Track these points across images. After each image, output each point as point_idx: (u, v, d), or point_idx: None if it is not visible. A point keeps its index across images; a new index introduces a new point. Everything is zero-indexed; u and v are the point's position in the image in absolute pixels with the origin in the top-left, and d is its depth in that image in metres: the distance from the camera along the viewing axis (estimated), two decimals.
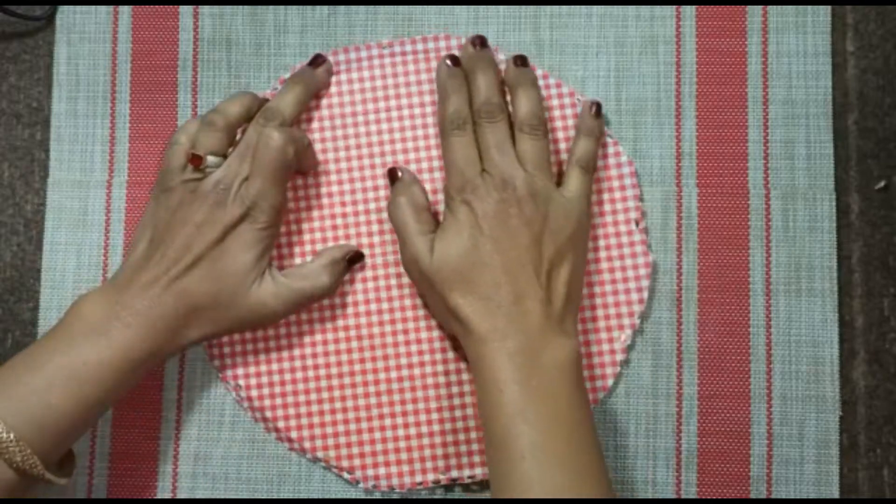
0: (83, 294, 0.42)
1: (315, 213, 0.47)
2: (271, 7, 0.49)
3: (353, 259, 0.46)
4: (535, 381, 0.40)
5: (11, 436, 0.38)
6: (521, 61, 0.46)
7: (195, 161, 0.43)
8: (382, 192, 0.47)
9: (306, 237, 0.47)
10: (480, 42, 0.46)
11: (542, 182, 0.43)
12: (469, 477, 0.46)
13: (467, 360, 0.43)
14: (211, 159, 0.43)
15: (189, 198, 0.43)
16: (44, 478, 0.39)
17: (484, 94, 0.45)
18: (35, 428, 0.39)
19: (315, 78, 0.47)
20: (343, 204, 0.47)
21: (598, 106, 0.46)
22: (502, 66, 0.47)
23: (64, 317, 0.42)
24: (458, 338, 0.44)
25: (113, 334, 0.41)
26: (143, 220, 0.44)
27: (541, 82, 0.48)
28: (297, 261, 0.47)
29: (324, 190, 0.47)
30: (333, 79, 0.48)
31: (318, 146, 0.48)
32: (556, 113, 0.48)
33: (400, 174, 0.46)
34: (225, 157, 0.44)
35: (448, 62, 0.46)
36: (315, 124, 0.48)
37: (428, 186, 0.47)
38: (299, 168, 0.46)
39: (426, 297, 0.46)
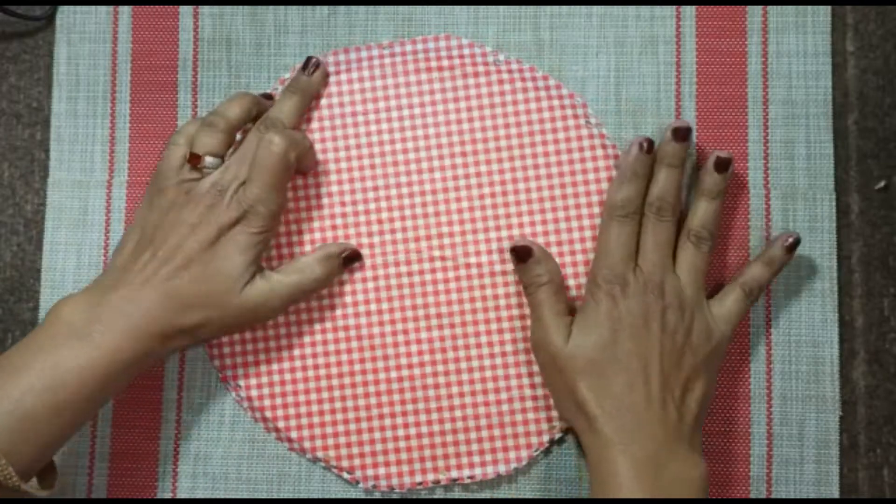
0: (64, 297, 0.41)
1: (315, 213, 0.47)
2: (271, 7, 0.49)
3: (350, 258, 0.46)
4: (659, 495, 0.39)
5: None
6: (723, 166, 0.44)
7: (194, 160, 0.43)
8: (382, 193, 0.47)
9: (306, 237, 0.47)
10: (683, 135, 0.44)
11: (691, 293, 0.43)
12: (469, 477, 0.46)
13: (585, 459, 0.42)
14: (209, 160, 0.43)
15: (183, 199, 0.42)
16: (20, 489, 0.37)
17: (661, 189, 0.44)
18: (10, 437, 0.37)
19: (311, 84, 0.47)
20: (343, 204, 0.47)
21: (796, 243, 0.45)
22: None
23: (43, 320, 0.41)
24: (577, 433, 0.43)
25: (94, 338, 0.39)
26: (135, 219, 0.44)
27: (540, 84, 0.48)
28: (296, 255, 0.47)
29: (324, 190, 0.47)
30: (333, 79, 0.48)
31: (318, 146, 0.48)
32: (557, 113, 0.47)
33: (533, 250, 0.44)
34: (223, 159, 0.44)
35: (642, 145, 0.44)
36: (315, 124, 0.48)
37: (427, 187, 0.47)
38: (299, 168, 0.46)
39: (550, 382, 0.44)
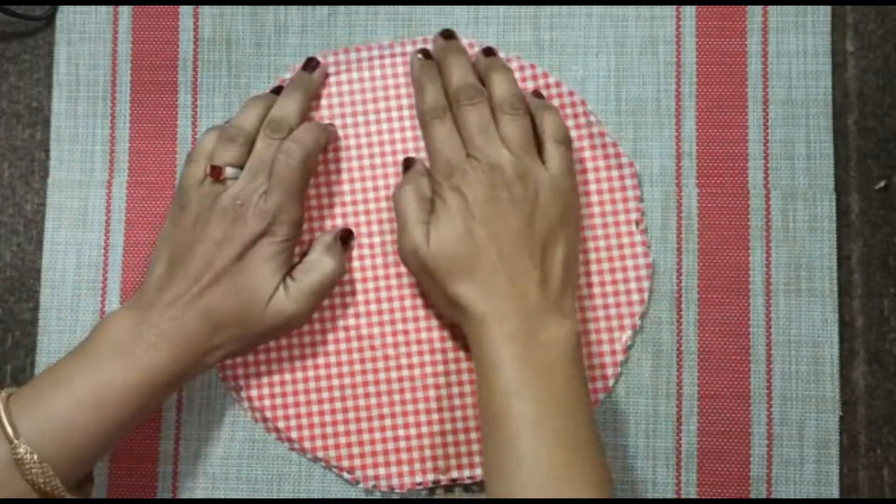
0: (108, 314, 0.42)
1: (315, 214, 0.47)
2: (271, 7, 0.49)
3: (345, 238, 0.46)
4: (532, 360, 0.40)
5: (35, 457, 0.38)
6: (489, 51, 0.47)
7: (215, 173, 0.43)
8: (383, 193, 0.47)
9: (306, 237, 0.47)
10: (448, 34, 0.47)
11: (529, 162, 0.43)
12: (469, 477, 0.46)
13: (469, 348, 0.43)
14: (230, 171, 0.43)
15: (206, 214, 0.43)
16: (64, 499, 0.39)
17: (460, 79, 0.45)
18: (59, 449, 0.38)
19: (312, 82, 0.47)
20: (343, 204, 0.47)
21: (536, 91, 0.47)
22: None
23: (89, 336, 0.42)
24: (458, 325, 0.44)
25: (139, 356, 0.40)
26: (160, 238, 0.44)
27: (541, 81, 0.48)
28: (296, 255, 0.47)
29: (324, 190, 0.47)
30: (333, 79, 0.48)
31: None
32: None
33: (415, 164, 0.46)
34: (242, 168, 0.44)
35: (419, 55, 0.46)
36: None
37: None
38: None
39: (424, 285, 0.45)
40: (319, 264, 0.45)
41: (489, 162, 0.43)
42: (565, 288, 0.42)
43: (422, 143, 0.47)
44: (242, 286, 0.42)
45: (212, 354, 0.42)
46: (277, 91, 0.47)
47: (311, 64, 0.47)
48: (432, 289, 0.44)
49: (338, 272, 0.45)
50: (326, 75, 0.48)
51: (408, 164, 0.47)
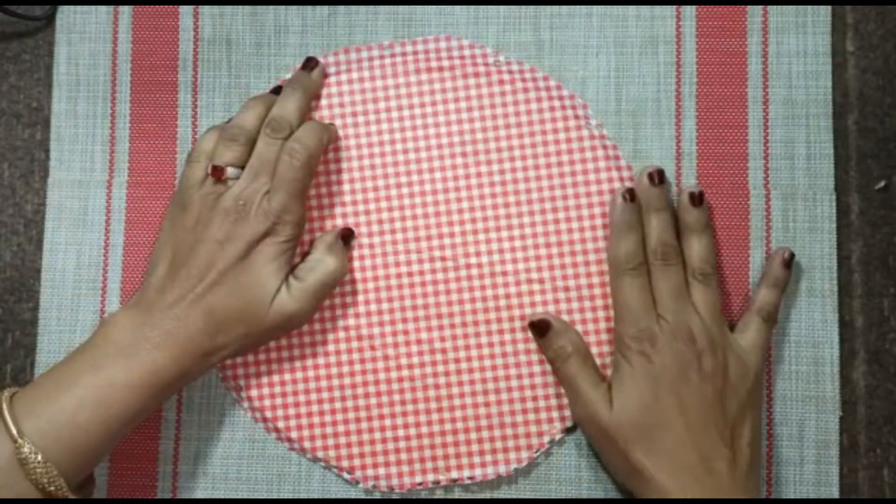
0: (110, 314, 0.42)
1: (315, 214, 0.47)
2: (271, 7, 0.49)
3: (345, 237, 0.46)
4: None
5: (39, 457, 0.38)
6: (698, 200, 0.45)
7: (216, 173, 0.43)
8: (382, 193, 0.47)
9: (306, 237, 0.47)
10: (659, 178, 0.45)
11: (718, 332, 0.43)
12: (469, 477, 0.46)
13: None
14: (231, 171, 0.43)
15: (207, 214, 0.43)
16: (66, 499, 0.39)
17: (660, 236, 0.44)
18: (62, 449, 0.38)
19: (312, 81, 0.47)
20: (343, 204, 0.47)
21: (791, 257, 0.45)
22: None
23: (92, 337, 0.42)
24: (637, 494, 0.43)
25: (142, 356, 0.40)
26: (160, 238, 0.44)
27: (541, 84, 0.48)
28: (296, 255, 0.47)
29: (324, 190, 0.47)
30: (333, 79, 0.48)
31: None
32: (558, 114, 0.47)
33: (551, 323, 0.45)
34: (243, 168, 0.44)
35: (625, 196, 0.45)
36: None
37: (427, 187, 0.47)
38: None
39: (602, 451, 0.44)
40: (322, 263, 0.45)
41: (680, 328, 0.42)
42: (752, 470, 0.42)
43: (421, 143, 0.47)
44: (245, 286, 0.42)
45: (215, 354, 0.42)
46: (277, 91, 0.47)
47: (310, 63, 0.47)
48: (611, 456, 0.43)
49: (340, 271, 0.45)
50: (326, 75, 0.48)
51: (542, 326, 0.45)
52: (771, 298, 0.45)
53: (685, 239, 0.45)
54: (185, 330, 0.41)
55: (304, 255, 0.46)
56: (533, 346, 0.46)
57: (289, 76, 0.48)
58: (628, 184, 0.47)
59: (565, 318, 0.46)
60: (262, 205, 0.42)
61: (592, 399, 0.43)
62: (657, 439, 0.41)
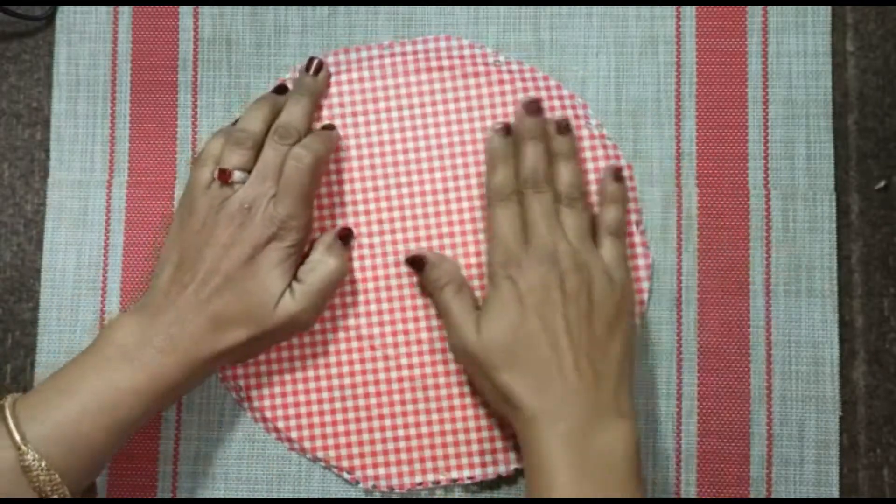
0: (114, 318, 0.42)
1: (315, 214, 0.47)
2: (271, 7, 0.49)
3: (344, 237, 0.46)
4: (589, 468, 0.39)
5: (43, 463, 0.37)
6: (564, 128, 0.46)
7: (223, 176, 0.43)
8: (382, 193, 0.47)
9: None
10: (535, 110, 0.45)
11: (585, 254, 0.43)
12: (469, 477, 0.46)
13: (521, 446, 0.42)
14: (238, 174, 0.43)
15: (213, 219, 0.43)
16: (66, 499, 0.38)
17: (531, 166, 0.44)
18: (67, 455, 0.38)
19: (318, 85, 0.47)
20: (343, 204, 0.47)
21: (619, 170, 0.46)
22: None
23: (96, 341, 0.42)
24: (510, 421, 0.43)
25: (146, 360, 0.40)
26: (167, 242, 0.44)
27: (541, 84, 0.48)
28: None
29: (324, 190, 0.47)
30: (333, 79, 0.48)
31: None
32: (558, 114, 0.47)
33: (425, 258, 0.45)
34: (250, 172, 0.44)
35: (500, 130, 0.45)
36: (315, 125, 0.48)
37: (427, 187, 0.47)
38: None
39: (473, 378, 0.45)
40: (322, 264, 0.44)
41: (546, 251, 0.43)
42: (621, 385, 0.41)
43: (421, 143, 0.47)
44: (250, 290, 0.42)
45: (220, 359, 0.42)
46: (280, 90, 0.47)
47: (313, 65, 0.47)
48: (482, 382, 0.43)
49: (340, 270, 0.45)
50: (329, 75, 0.48)
51: (418, 262, 0.46)
52: (612, 215, 0.45)
53: (554, 166, 0.45)
54: (190, 334, 0.41)
55: (305, 256, 0.46)
56: None
57: (289, 76, 0.48)
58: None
59: None
60: (267, 209, 0.42)
61: (461, 323, 0.43)
62: (521, 358, 0.41)
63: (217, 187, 0.43)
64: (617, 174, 0.46)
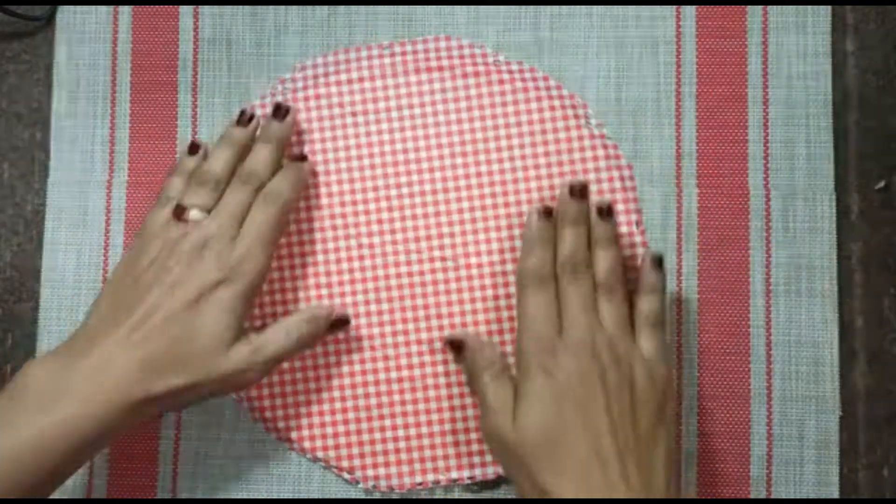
0: (33, 360, 0.39)
1: (315, 214, 0.47)
2: (271, 7, 0.49)
3: (337, 324, 0.45)
4: None
5: None
6: (606, 213, 0.44)
7: (178, 213, 0.42)
8: (382, 193, 0.47)
9: (306, 237, 0.47)
10: (581, 191, 0.44)
11: (623, 346, 0.41)
12: (469, 477, 0.46)
13: None
14: (195, 213, 0.42)
15: (165, 256, 0.41)
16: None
17: (570, 251, 0.43)
18: None
19: (283, 130, 0.45)
20: (343, 204, 0.47)
21: (660, 259, 0.44)
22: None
23: (11, 384, 0.39)
24: None
25: (63, 408, 0.37)
26: (108, 280, 0.42)
27: (541, 84, 0.48)
28: (296, 255, 0.47)
29: (323, 190, 0.47)
30: (333, 79, 0.48)
31: (317, 146, 0.48)
32: (558, 114, 0.47)
33: (466, 341, 0.44)
34: (209, 212, 0.43)
35: (540, 213, 0.44)
36: (315, 125, 0.48)
37: (427, 187, 0.47)
38: None
39: (506, 467, 0.42)
40: (295, 329, 0.43)
41: (584, 341, 0.40)
42: (668, 489, 0.39)
43: (421, 143, 0.47)
44: (195, 333, 0.40)
45: (150, 407, 0.39)
46: (244, 121, 0.45)
47: (280, 111, 0.45)
48: (518, 476, 0.40)
49: (304, 345, 0.43)
50: (296, 121, 0.47)
51: (457, 344, 0.44)
52: (651, 305, 0.43)
53: (593, 251, 0.43)
54: (115, 380, 0.38)
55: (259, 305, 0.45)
56: None
57: (289, 76, 0.48)
58: (624, 184, 0.47)
59: None
60: (222, 251, 0.41)
61: (497, 410, 0.41)
62: (561, 459, 0.38)
63: (173, 226, 0.42)
64: (657, 262, 0.44)
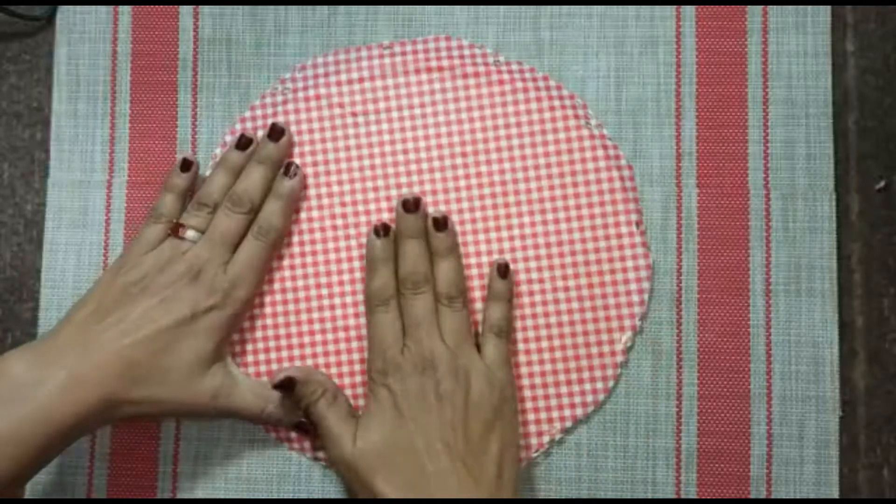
0: (13, 350, 0.40)
1: (315, 214, 0.47)
2: (271, 7, 0.49)
3: (283, 386, 0.44)
4: None
5: None
6: (442, 224, 0.45)
7: (176, 230, 0.44)
8: (382, 193, 0.47)
9: (306, 237, 0.47)
10: (414, 205, 0.45)
11: (463, 358, 0.43)
12: None
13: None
14: (191, 233, 0.44)
15: (158, 271, 0.43)
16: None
17: (411, 265, 0.44)
18: None
19: (278, 152, 0.46)
20: (343, 204, 0.47)
21: (506, 267, 0.45)
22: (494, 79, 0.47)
23: None
24: None
25: (41, 400, 0.38)
26: (94, 286, 0.43)
27: (541, 84, 0.48)
28: (296, 255, 0.47)
29: (324, 190, 0.47)
30: (333, 79, 0.48)
31: (317, 146, 0.48)
32: (558, 114, 0.47)
33: (293, 378, 0.43)
34: (202, 233, 0.44)
35: (378, 232, 0.45)
36: (315, 125, 0.48)
37: (427, 187, 0.47)
38: None
39: (351, 490, 0.44)
40: (251, 399, 0.44)
41: (423, 355, 0.42)
42: (500, 484, 0.41)
43: (421, 143, 0.47)
44: (181, 350, 0.42)
45: (123, 408, 0.41)
46: (242, 145, 0.46)
47: (275, 132, 0.46)
48: (358, 490, 0.42)
49: (248, 417, 0.44)
50: (291, 143, 0.47)
51: (288, 384, 0.43)
52: (498, 313, 0.44)
53: (434, 263, 0.45)
54: (94, 376, 0.39)
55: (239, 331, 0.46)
56: (533, 346, 0.46)
57: (289, 76, 0.48)
58: (624, 184, 0.47)
59: (564, 318, 0.46)
60: (217, 276, 0.43)
61: (338, 434, 0.42)
62: (396, 466, 0.40)
63: (167, 244, 0.44)
64: (503, 271, 0.45)
